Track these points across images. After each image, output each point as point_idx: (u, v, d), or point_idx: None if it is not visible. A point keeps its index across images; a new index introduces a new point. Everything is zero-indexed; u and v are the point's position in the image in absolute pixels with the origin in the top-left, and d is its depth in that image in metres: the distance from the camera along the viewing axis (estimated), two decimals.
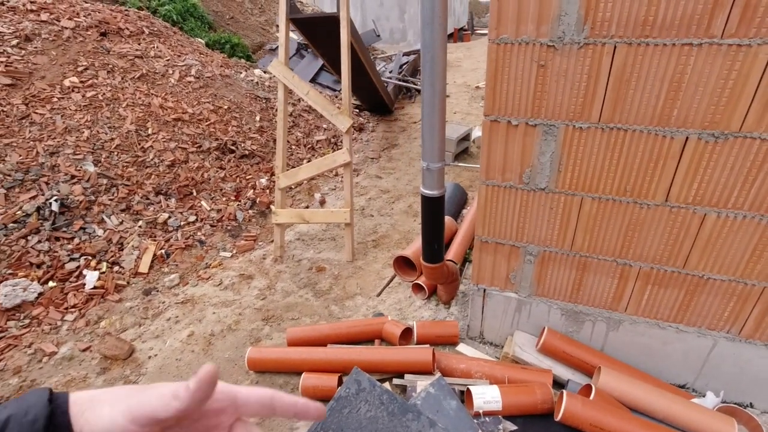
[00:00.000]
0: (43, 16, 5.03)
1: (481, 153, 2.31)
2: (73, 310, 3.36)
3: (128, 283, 3.64)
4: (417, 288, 3.44)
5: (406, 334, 2.92)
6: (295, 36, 10.07)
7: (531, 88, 2.02)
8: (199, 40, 7.10)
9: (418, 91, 9.15)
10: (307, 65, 8.52)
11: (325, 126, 6.62)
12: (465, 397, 2.36)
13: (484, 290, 2.72)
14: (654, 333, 2.37)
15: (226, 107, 5.47)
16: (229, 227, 4.39)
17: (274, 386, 2.69)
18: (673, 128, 1.86)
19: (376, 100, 7.27)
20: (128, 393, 0.51)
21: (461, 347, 2.85)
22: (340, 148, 6.44)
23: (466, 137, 6.09)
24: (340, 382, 2.57)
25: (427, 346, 2.82)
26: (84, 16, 5.31)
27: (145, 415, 0.48)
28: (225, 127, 5.25)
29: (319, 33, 4.90)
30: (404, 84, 8.76)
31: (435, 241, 2.89)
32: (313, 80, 8.27)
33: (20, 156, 4.03)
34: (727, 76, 1.70)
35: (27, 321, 3.25)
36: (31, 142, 4.16)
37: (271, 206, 4.79)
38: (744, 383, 2.30)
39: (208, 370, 0.49)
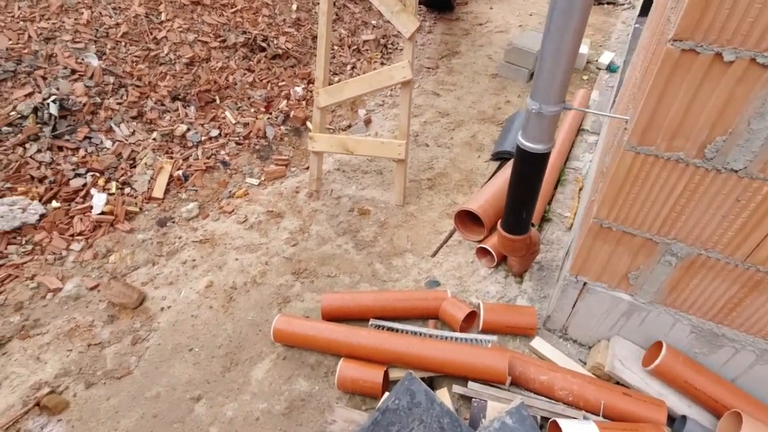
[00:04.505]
0: None
1: (639, 102, 1.44)
2: (79, 238, 2.91)
3: (141, 209, 3.12)
4: (482, 252, 2.78)
5: (469, 317, 2.34)
6: None
7: None
8: None
9: None
10: None
11: (374, 22, 5.47)
12: (549, 428, 1.82)
13: (585, 284, 2.03)
14: None
15: None
16: (257, 146, 3.70)
17: (304, 366, 2.23)
18: None
19: None
20: None
21: (537, 342, 2.27)
22: (392, 53, 5.38)
23: None
24: (386, 377, 2.07)
25: (495, 339, 2.25)
26: None
27: None
28: (254, 16, 4.27)
29: None
30: None
31: (525, 208, 2.15)
32: None
33: (9, 40, 3.31)
34: None
35: (29, 247, 2.84)
36: (21, 23, 3.40)
37: (308, 123, 4.02)
38: None
39: None
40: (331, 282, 2.67)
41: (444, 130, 4.06)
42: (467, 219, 2.95)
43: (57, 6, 3.50)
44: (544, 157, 1.93)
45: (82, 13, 3.55)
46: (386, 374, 2.08)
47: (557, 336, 2.34)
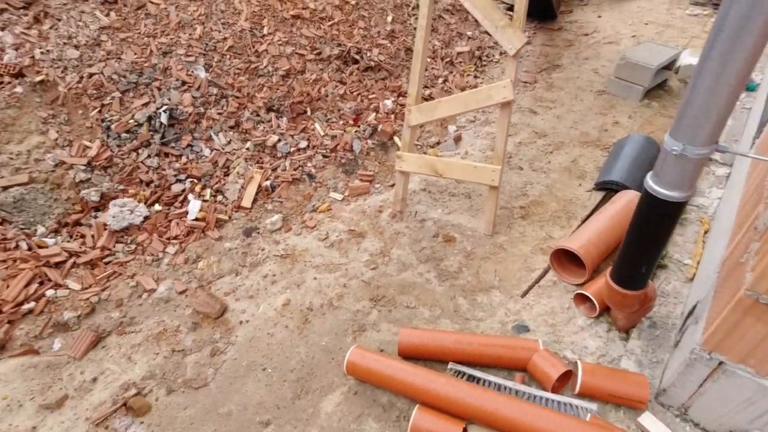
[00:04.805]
0: None
1: None
2: (174, 241, 3.07)
3: (230, 218, 3.23)
4: (582, 298, 2.45)
5: (564, 375, 2.04)
6: None
7: None
8: None
9: None
10: None
11: (469, 33, 5.25)
12: None
13: (721, 363, 1.65)
14: None
15: (353, 2, 4.44)
16: (343, 160, 3.68)
17: (376, 405, 2.10)
18: None
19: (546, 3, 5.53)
20: None
21: (647, 419, 1.91)
22: (486, 65, 5.11)
23: (668, 65, 4.31)
24: None
25: (595, 409, 1.93)
26: None
27: None
28: (350, 29, 4.28)
29: None
30: None
31: (645, 261, 1.82)
32: None
33: (135, 54, 3.62)
34: None
35: (133, 246, 3.05)
36: (146, 38, 3.71)
37: (395, 138, 3.92)
38: None
39: None
40: (409, 313, 2.52)
41: (540, 153, 3.73)
42: (565, 258, 2.63)
43: (175, 23, 3.77)
44: (679, 207, 1.60)
45: (196, 29, 3.79)
46: (465, 431, 1.87)
47: (673, 414, 1.96)
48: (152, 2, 3.87)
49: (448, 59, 4.84)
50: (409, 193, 3.36)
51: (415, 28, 4.82)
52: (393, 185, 3.50)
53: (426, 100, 4.36)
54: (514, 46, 2.53)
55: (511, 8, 6.00)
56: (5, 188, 3.07)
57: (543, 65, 5.13)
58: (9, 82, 3.33)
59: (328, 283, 2.70)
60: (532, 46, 5.54)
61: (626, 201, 2.86)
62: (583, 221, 3.00)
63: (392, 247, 2.93)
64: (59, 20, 3.61)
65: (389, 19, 4.60)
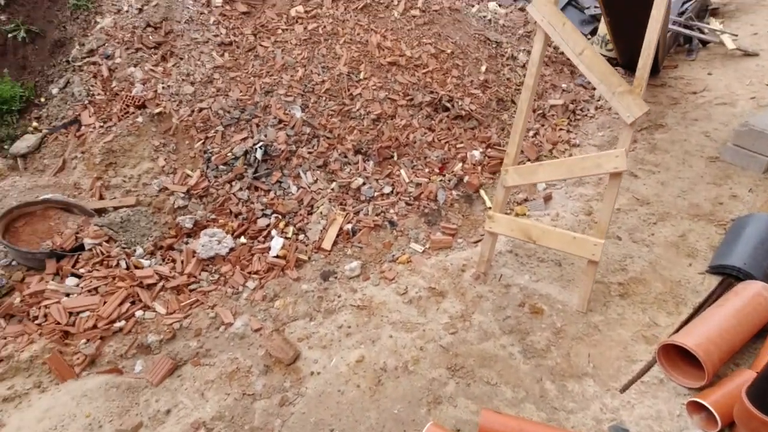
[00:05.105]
0: None
1: None
2: (254, 276, 3.12)
3: (309, 258, 3.24)
4: (697, 407, 2.10)
5: None
6: None
7: None
8: None
9: (704, 43, 6.47)
10: None
11: (563, 86, 5.06)
12: None
13: None
14: None
15: (449, 51, 4.46)
16: (426, 209, 3.60)
17: None
18: None
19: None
20: None
21: None
22: (579, 120, 4.87)
23: None
24: None
25: None
26: None
27: None
28: (444, 77, 4.29)
29: None
30: (685, 31, 6.21)
31: None
32: None
33: (240, 92, 3.87)
34: None
35: (216, 276, 3.14)
36: (252, 78, 3.96)
37: (481, 192, 3.79)
38: None
39: None
40: (489, 391, 2.31)
41: (642, 223, 3.39)
42: (676, 354, 2.29)
43: (280, 65, 3.99)
44: None
45: (298, 71, 3.98)
46: None
47: None
48: (262, 45, 4.15)
49: (541, 111, 4.67)
50: (495, 254, 3.18)
51: (508, 79, 4.74)
52: (477, 242, 3.36)
53: None
54: (632, 115, 2.33)
55: (610, 60, 5.74)
56: (116, 208, 3.34)
57: (644, 123, 4.78)
58: (133, 113, 3.68)
59: (405, 344, 2.57)
60: None
61: (753, 294, 2.47)
62: (696, 311, 2.63)
63: (474, 311, 2.75)
64: (181, 59, 3.97)
65: (483, 68, 4.55)
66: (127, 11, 4.08)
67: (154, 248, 3.27)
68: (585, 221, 3.46)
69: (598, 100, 5.15)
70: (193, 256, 3.21)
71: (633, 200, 3.64)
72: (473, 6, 5.21)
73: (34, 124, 3.89)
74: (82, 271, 3.05)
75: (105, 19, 4.09)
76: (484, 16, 5.09)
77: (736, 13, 7.59)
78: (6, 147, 3.79)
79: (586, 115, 4.92)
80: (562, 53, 5.30)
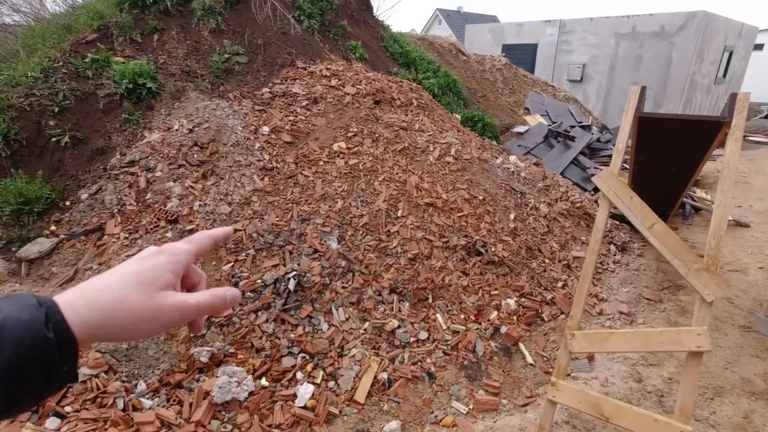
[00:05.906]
0: (333, 82, 5.14)
1: None
2: (276, 431, 2.65)
3: (340, 412, 2.81)
4: None
5: None
6: (544, 120, 9.14)
7: None
8: (456, 115, 6.70)
9: (696, 209, 7.00)
10: (557, 156, 7.39)
11: (583, 238, 5.21)
12: None
13: None
14: None
15: (480, 198, 4.62)
16: (465, 361, 3.30)
17: None
18: None
19: (655, 209, 5.52)
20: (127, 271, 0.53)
21: None
22: (601, 273, 4.90)
23: None
24: None
25: None
26: (365, 83, 5.29)
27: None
28: (477, 222, 4.36)
29: (663, 134, 3.58)
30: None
31: None
32: (561, 173, 7.04)
33: (277, 217, 3.80)
34: None
35: (229, 427, 2.66)
36: (290, 204, 3.93)
37: (521, 345, 3.55)
38: None
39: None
40: None
41: (698, 397, 3.15)
42: None
43: (319, 194, 4.02)
44: None
45: (337, 202, 3.99)
46: None
47: None
48: (303, 174, 4.23)
49: (565, 262, 4.70)
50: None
51: (533, 228, 4.86)
52: (524, 405, 3.02)
53: (547, 303, 4.10)
54: (712, 293, 2.27)
55: (615, 216, 6.03)
56: None
57: (663, 283, 4.83)
58: (163, 227, 3.52)
59: None
60: (645, 260, 5.35)
61: None
62: None
63: None
64: (222, 179, 3.97)
65: (512, 216, 4.69)
66: (177, 130, 4.19)
67: (160, 384, 2.81)
68: (637, 390, 3.20)
69: (615, 255, 5.28)
70: (205, 398, 2.75)
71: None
72: (497, 158, 5.60)
73: (52, 227, 3.66)
74: (68, 409, 2.55)
75: (153, 134, 4.17)
76: (507, 168, 5.44)
77: (714, 185, 8.42)
78: (14, 249, 3.50)
79: (606, 269, 4.98)
80: (579, 207, 5.60)
